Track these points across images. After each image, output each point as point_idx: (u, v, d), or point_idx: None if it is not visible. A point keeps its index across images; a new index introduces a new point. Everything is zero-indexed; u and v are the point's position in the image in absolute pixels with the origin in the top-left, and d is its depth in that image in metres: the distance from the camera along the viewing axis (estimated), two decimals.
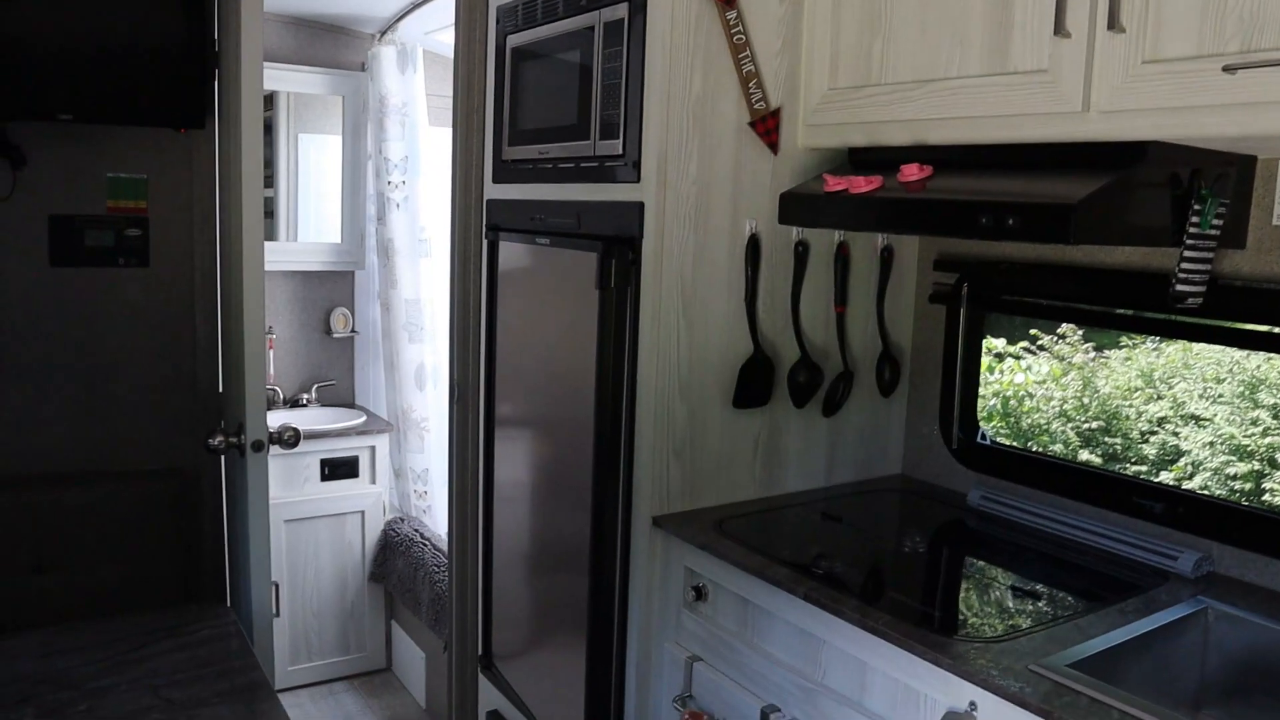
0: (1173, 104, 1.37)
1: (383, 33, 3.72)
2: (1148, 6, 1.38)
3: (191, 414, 2.60)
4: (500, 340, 2.51)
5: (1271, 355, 1.77)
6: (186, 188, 2.57)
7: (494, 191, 2.54)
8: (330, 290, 4.00)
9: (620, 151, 1.98)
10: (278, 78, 3.74)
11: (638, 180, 1.93)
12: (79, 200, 2.46)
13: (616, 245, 1.96)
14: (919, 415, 2.31)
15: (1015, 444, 2.18)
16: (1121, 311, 1.90)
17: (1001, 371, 2.23)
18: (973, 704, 1.33)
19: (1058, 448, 2.11)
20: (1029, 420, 2.18)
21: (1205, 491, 1.85)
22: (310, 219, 4.08)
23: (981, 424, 2.19)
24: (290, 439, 2.18)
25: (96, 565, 2.34)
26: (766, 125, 1.98)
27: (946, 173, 1.68)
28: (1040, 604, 1.66)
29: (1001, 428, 2.22)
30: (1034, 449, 2.16)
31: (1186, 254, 1.55)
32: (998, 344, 2.20)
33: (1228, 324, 1.71)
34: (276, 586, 3.44)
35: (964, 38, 1.65)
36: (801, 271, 2.09)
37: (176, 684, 1.59)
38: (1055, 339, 2.12)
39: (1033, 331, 2.14)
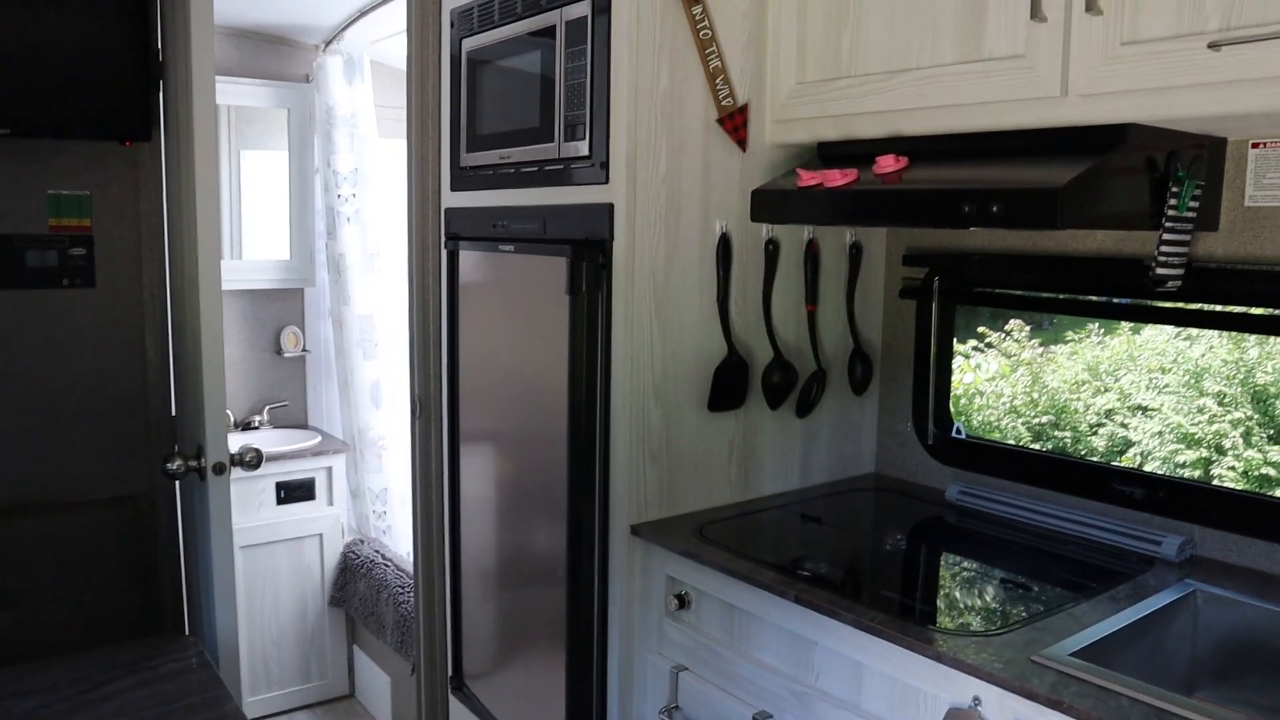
0: (1154, 85, 1.36)
1: (327, 43, 3.63)
2: None
3: (144, 439, 2.49)
4: (463, 353, 2.44)
5: (1243, 336, 1.78)
6: (133, 204, 2.47)
7: (452, 200, 2.47)
8: (280, 309, 3.88)
9: (587, 152, 1.93)
10: (219, 91, 3.62)
11: (606, 181, 1.89)
12: (18, 219, 2.35)
13: (587, 248, 1.91)
14: (891, 413, 2.30)
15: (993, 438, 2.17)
16: (1096, 299, 1.90)
17: (958, 371, 2.23)
18: (976, 699, 1.30)
19: (1009, 444, 2.12)
20: (979, 418, 2.18)
21: (1185, 475, 1.85)
22: (256, 236, 3.98)
23: (956, 419, 2.18)
24: (252, 460, 2.10)
25: (49, 600, 2.22)
26: (734, 122, 1.95)
27: (922, 164, 1.67)
28: (1031, 596, 1.64)
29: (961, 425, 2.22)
30: (1011, 442, 2.15)
31: (1166, 236, 1.55)
32: (965, 345, 2.20)
33: (1205, 307, 1.71)
34: None
35: (936, 25, 1.63)
36: (772, 271, 2.07)
37: None
38: (1003, 336, 2.12)
39: (980, 329, 2.15)
